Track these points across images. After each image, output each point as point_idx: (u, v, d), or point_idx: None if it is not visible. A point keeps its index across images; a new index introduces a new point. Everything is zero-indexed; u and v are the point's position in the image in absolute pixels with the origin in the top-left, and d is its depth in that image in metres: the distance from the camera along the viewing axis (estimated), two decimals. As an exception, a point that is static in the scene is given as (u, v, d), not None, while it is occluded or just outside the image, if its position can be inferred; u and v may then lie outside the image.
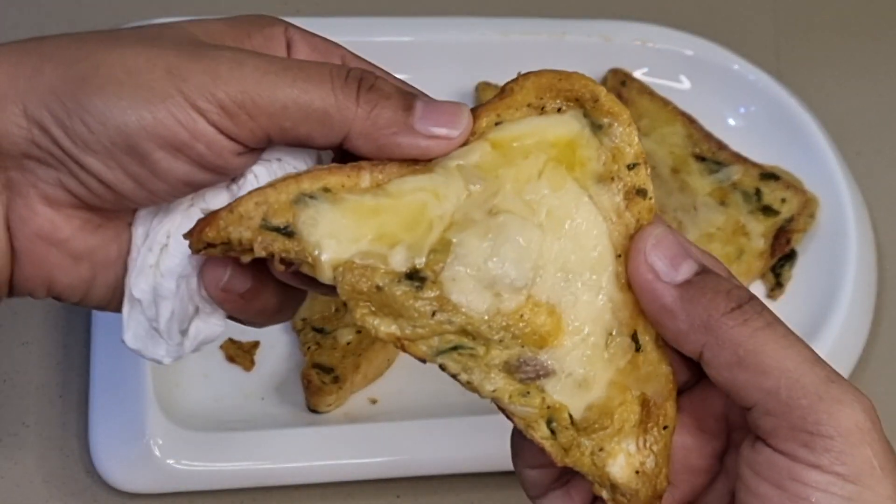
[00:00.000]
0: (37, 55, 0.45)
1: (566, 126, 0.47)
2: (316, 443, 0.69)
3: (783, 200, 0.80)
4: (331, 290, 0.44)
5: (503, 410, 0.45)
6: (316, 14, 0.89)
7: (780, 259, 0.79)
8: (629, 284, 0.45)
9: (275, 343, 0.74)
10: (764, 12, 0.97)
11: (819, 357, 0.43)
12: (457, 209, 0.45)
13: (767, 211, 0.80)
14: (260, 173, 0.47)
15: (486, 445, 0.69)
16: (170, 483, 0.67)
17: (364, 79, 0.46)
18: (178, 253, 0.47)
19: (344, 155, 0.47)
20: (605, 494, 0.46)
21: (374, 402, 0.73)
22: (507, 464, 0.70)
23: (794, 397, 0.42)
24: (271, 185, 0.45)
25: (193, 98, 0.44)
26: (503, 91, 0.47)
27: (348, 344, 0.72)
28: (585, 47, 0.85)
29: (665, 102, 0.85)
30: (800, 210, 0.80)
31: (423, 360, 0.45)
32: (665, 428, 0.46)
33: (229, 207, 0.44)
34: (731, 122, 0.86)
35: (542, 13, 0.89)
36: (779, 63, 0.91)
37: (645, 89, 0.85)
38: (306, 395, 0.71)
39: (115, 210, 0.47)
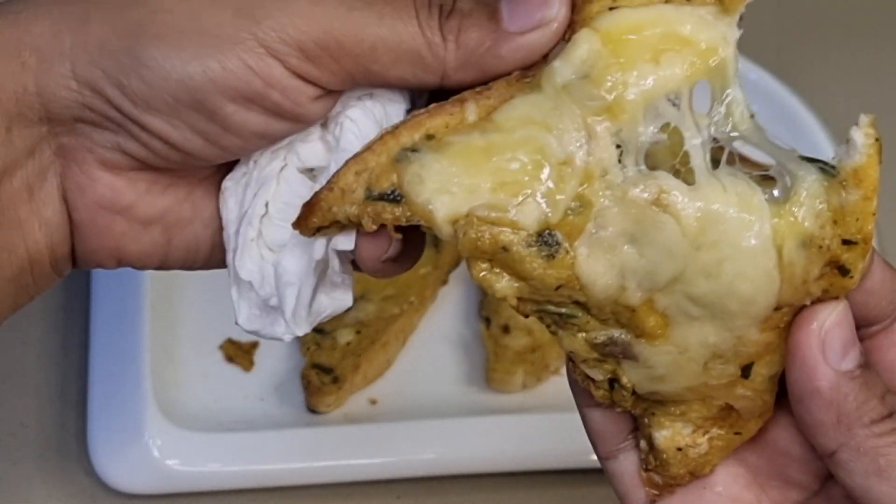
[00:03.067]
0: (80, 3, 0.40)
1: (703, 24, 0.40)
2: (315, 443, 0.69)
3: (784, 200, 0.80)
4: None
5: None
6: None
7: (782, 259, 0.79)
8: (769, 329, 0.41)
9: (274, 343, 0.74)
10: (765, 11, 0.96)
11: None
12: (599, 162, 0.39)
13: (769, 210, 0.80)
14: (357, 117, 0.42)
15: (487, 446, 0.69)
16: (169, 484, 0.67)
17: (444, 4, 0.40)
18: (283, 222, 0.43)
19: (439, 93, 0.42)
20: (641, 444, 0.44)
21: (373, 402, 0.72)
22: (507, 465, 0.70)
23: None
24: (368, 147, 0.40)
25: (268, 41, 0.39)
26: None
27: (348, 344, 0.72)
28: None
29: (666, 101, 0.84)
30: (801, 210, 0.79)
31: (525, 315, 0.42)
32: (737, 433, 0.43)
33: (329, 185, 0.40)
34: (733, 121, 0.85)
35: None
36: (780, 62, 0.90)
37: (646, 88, 0.85)
38: (306, 395, 0.71)
39: (183, 169, 0.43)
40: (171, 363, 0.71)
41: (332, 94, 0.41)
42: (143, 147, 0.41)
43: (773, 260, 0.39)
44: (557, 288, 0.40)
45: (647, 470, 0.44)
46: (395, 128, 0.40)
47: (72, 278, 0.75)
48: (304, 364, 0.71)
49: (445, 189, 0.39)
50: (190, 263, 0.45)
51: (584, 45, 0.39)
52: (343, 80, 0.40)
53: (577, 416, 0.71)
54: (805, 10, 0.96)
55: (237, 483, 0.68)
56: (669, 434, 0.43)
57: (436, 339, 0.75)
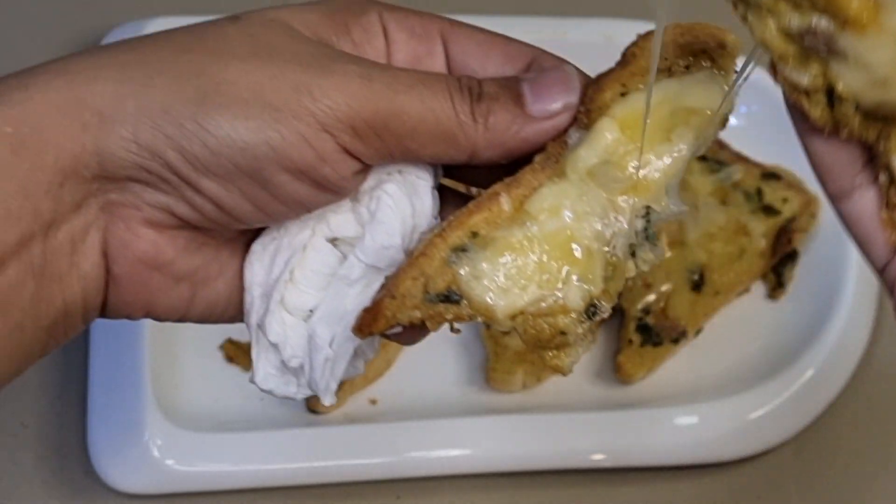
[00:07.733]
0: (142, 69, 0.42)
1: (704, 89, 0.44)
2: (315, 443, 0.69)
3: (784, 200, 0.80)
4: None
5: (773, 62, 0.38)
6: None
7: (782, 259, 0.79)
8: None
9: (274, 343, 0.74)
10: (765, 11, 0.96)
11: None
12: (623, 232, 0.43)
13: (769, 211, 0.80)
14: (393, 192, 0.45)
15: (487, 446, 0.69)
16: (169, 484, 0.67)
17: (471, 88, 0.44)
18: (309, 289, 0.46)
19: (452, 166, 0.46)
20: (880, 177, 0.39)
21: (373, 402, 0.72)
22: (507, 465, 0.70)
23: None
24: (421, 252, 0.43)
25: (324, 118, 0.41)
26: (624, 57, 0.45)
27: (348, 344, 0.72)
28: (587, 46, 0.84)
29: (666, 102, 0.84)
30: (801, 210, 0.80)
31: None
32: None
33: (389, 293, 0.43)
34: (733, 121, 0.84)
35: (544, 12, 0.89)
36: (780, 62, 0.90)
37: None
38: (306, 395, 0.71)
39: (222, 229, 0.45)
40: (171, 363, 0.71)
41: (367, 168, 0.44)
42: (193, 209, 0.43)
43: None
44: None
45: (889, 207, 0.39)
46: (442, 230, 0.43)
47: (72, 278, 0.75)
48: (304, 364, 0.71)
49: (500, 287, 0.43)
50: (205, 318, 0.48)
51: (606, 133, 0.43)
52: (383, 155, 0.43)
53: (577, 416, 0.71)
54: (805, 11, 0.96)
55: (237, 483, 0.68)
56: None
57: (436, 339, 0.74)
